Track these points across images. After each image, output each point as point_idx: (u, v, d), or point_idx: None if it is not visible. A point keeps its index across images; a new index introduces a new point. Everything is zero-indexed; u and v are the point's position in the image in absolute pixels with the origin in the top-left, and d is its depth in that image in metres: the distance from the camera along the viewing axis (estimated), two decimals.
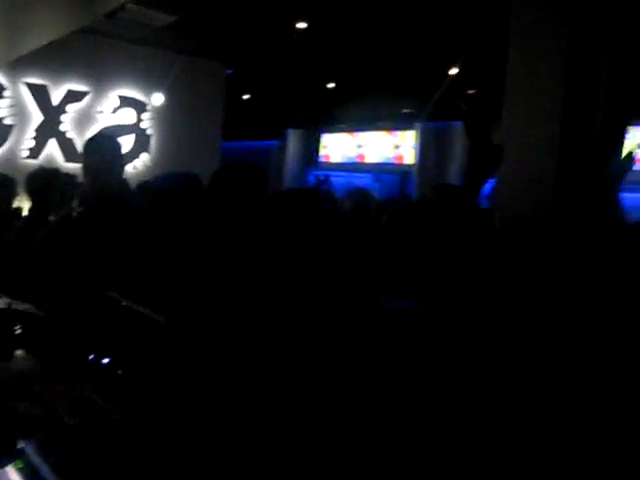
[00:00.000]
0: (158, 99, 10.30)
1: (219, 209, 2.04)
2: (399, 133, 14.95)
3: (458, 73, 9.76)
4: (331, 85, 12.23)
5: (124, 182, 3.44)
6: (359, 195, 4.58)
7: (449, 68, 9.65)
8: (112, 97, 10.00)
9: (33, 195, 4.39)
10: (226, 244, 1.99)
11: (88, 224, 3.29)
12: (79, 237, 3.26)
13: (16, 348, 2.59)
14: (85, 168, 3.34)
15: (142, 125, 10.32)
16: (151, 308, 2.06)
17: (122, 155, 3.46)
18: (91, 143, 3.43)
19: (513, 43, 4.78)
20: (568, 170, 4.35)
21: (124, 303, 2.20)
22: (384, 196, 14.35)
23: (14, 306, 2.82)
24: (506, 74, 4.78)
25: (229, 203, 2.01)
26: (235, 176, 2.08)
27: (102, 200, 3.32)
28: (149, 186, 2.87)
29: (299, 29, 8.39)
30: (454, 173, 13.14)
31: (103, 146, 3.39)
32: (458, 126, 13.15)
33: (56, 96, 9.57)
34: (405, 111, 13.94)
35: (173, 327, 1.91)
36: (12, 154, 9.27)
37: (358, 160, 15.97)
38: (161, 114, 10.43)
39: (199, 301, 1.90)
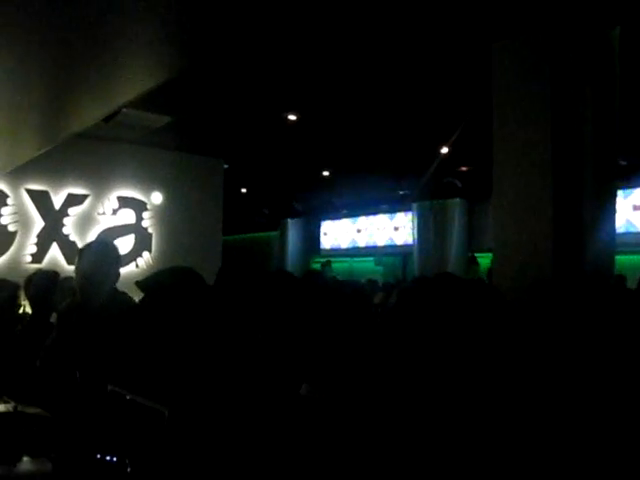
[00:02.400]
0: (157, 198, 10.47)
1: (222, 304, 2.08)
2: (397, 214, 15.11)
3: (449, 151, 9.96)
4: (326, 173, 12.44)
5: (113, 290, 3.44)
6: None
7: (440, 147, 9.85)
8: (112, 198, 10.15)
9: (33, 297, 4.41)
10: (224, 336, 2.02)
11: (83, 327, 3.31)
12: (78, 338, 3.28)
13: (23, 451, 2.56)
14: (76, 272, 3.38)
15: (143, 224, 10.44)
16: (155, 401, 2.05)
17: (115, 262, 3.47)
18: (85, 249, 3.50)
19: (498, 107, 4.83)
20: (563, 232, 4.33)
21: (128, 397, 2.19)
22: (387, 279, 14.44)
23: (20, 409, 2.81)
24: (493, 138, 4.82)
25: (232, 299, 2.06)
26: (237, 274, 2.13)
27: (90, 305, 3.35)
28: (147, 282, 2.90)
29: (290, 120, 8.61)
30: (454, 250, 13.22)
31: (96, 252, 3.43)
32: (454, 203, 13.31)
33: (57, 200, 9.72)
34: (401, 192, 14.14)
35: (177, 419, 1.90)
36: (15, 260, 9.35)
37: (359, 244, 16.08)
38: (161, 212, 10.57)
39: (201, 392, 1.90)
